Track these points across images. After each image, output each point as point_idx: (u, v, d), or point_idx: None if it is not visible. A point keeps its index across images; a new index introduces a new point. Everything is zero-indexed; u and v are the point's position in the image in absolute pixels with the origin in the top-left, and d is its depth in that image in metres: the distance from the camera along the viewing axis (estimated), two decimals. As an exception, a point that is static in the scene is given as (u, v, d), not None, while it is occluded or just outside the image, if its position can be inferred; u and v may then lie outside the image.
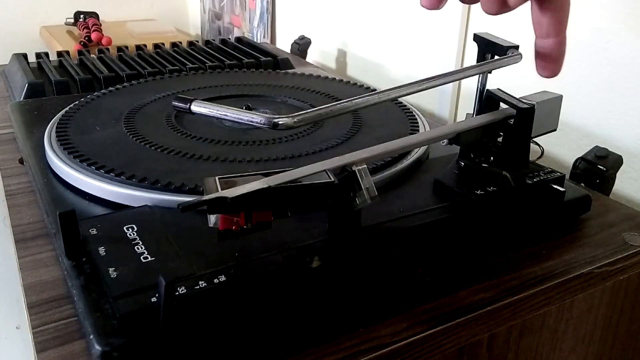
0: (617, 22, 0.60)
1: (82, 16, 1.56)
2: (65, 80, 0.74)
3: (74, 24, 1.57)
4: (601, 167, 0.53)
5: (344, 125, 0.57)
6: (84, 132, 0.54)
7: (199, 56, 0.89)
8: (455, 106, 0.84)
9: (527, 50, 0.70)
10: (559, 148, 0.68)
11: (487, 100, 0.46)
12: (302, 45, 1.04)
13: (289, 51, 1.05)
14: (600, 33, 0.62)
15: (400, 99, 0.63)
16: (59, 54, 0.89)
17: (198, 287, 0.33)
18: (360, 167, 0.36)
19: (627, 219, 0.48)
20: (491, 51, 0.47)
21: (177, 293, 0.32)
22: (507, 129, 0.45)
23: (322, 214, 0.39)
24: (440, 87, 0.49)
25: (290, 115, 0.36)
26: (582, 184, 0.53)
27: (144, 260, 0.35)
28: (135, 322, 0.31)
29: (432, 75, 0.43)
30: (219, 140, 0.53)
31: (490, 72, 0.47)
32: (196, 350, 0.33)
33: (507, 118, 0.45)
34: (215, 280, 0.34)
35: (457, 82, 0.83)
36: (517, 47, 0.47)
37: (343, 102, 0.39)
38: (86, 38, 1.43)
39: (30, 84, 0.72)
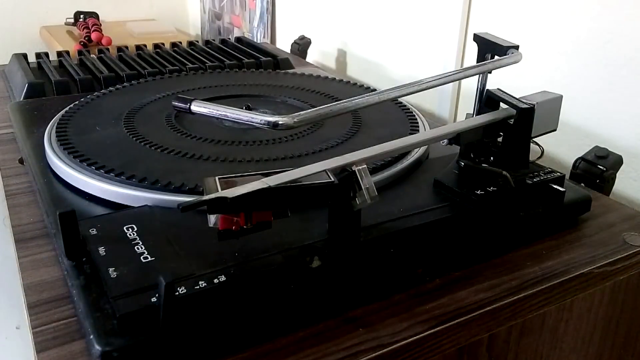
0: (617, 22, 0.60)
1: (82, 16, 1.56)
2: (65, 80, 0.74)
3: (74, 24, 1.57)
4: (601, 167, 0.53)
5: (344, 125, 0.57)
6: (84, 132, 0.54)
7: (199, 56, 0.89)
8: (455, 106, 0.84)
9: (527, 50, 0.70)
10: (559, 148, 0.68)
11: (487, 100, 0.46)
12: (302, 45, 1.04)
13: (289, 51, 1.05)
14: (600, 33, 0.62)
15: (400, 99, 0.63)
16: (59, 54, 0.89)
17: (198, 287, 0.33)
18: (360, 167, 0.36)
19: (627, 219, 0.48)
20: (491, 51, 0.47)
21: (177, 293, 0.32)
22: (507, 129, 0.45)
23: (322, 214, 0.39)
24: (440, 87, 0.49)
25: (290, 115, 0.36)
26: (582, 184, 0.53)
27: (144, 260, 0.35)
28: (135, 322, 0.31)
29: (432, 75, 0.43)
30: (219, 140, 0.53)
31: (490, 72, 0.47)
32: (196, 350, 0.33)
33: (507, 118, 0.45)
34: (215, 280, 0.34)
35: (457, 82, 0.83)
36: (517, 47, 0.47)
37: (343, 102, 0.39)
38: (86, 38, 1.43)
39: (30, 84, 0.72)
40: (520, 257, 0.43)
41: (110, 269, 0.34)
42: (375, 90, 0.57)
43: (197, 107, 0.38)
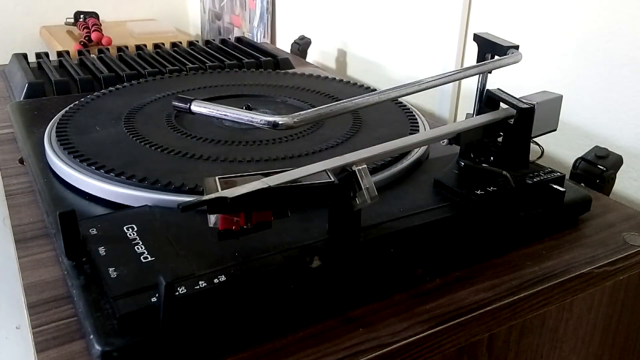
0: (617, 22, 0.60)
1: (82, 16, 1.56)
2: (65, 80, 0.74)
3: (74, 24, 1.57)
4: (601, 167, 0.53)
5: (344, 125, 0.57)
6: (84, 132, 0.54)
7: (199, 56, 0.89)
8: (455, 106, 0.84)
9: (527, 50, 0.70)
10: (559, 148, 0.68)
11: (487, 100, 0.46)
12: (302, 45, 1.04)
13: (289, 51, 1.05)
14: (600, 33, 0.62)
15: (400, 99, 0.63)
16: (59, 54, 0.89)
17: (198, 287, 0.33)
18: (360, 167, 0.36)
19: (627, 219, 0.48)
20: (491, 51, 0.47)
21: (177, 293, 0.32)
22: (507, 129, 0.45)
23: (322, 214, 0.39)
24: (440, 87, 0.49)
25: (290, 115, 0.36)
26: (582, 184, 0.53)
27: (144, 260, 0.35)
28: (135, 322, 0.31)
29: (432, 75, 0.43)
30: (219, 140, 0.53)
31: (490, 72, 0.47)
32: (196, 350, 0.33)
33: (507, 118, 0.45)
34: (215, 280, 0.34)
35: (457, 82, 0.83)
36: (517, 47, 0.47)
37: (343, 102, 0.39)
38: (86, 38, 1.43)
39: (30, 84, 0.72)
40: (520, 257, 0.43)
41: (110, 269, 0.34)
42: (375, 90, 0.57)
43: (197, 107, 0.38)
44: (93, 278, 0.35)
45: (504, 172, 0.44)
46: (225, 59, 0.86)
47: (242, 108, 0.47)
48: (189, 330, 0.32)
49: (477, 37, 0.48)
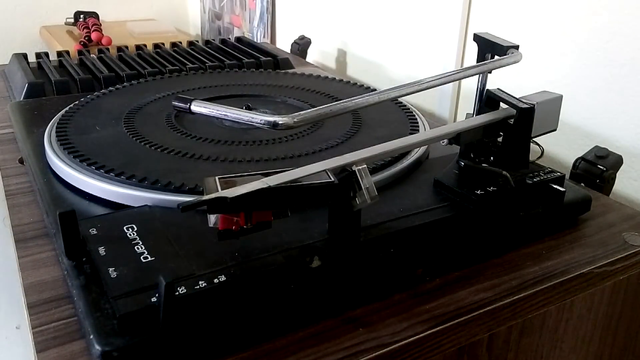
0: (617, 22, 0.60)
1: (82, 16, 1.56)
2: (65, 80, 0.74)
3: (74, 24, 1.57)
4: (601, 167, 0.53)
5: (344, 125, 0.57)
6: (84, 132, 0.54)
7: (199, 56, 0.89)
8: (455, 106, 0.84)
9: (527, 50, 0.70)
10: (559, 148, 0.68)
11: (487, 100, 0.46)
12: (302, 45, 1.04)
13: (289, 51, 1.05)
14: (600, 33, 0.62)
15: (400, 99, 0.63)
16: (59, 54, 0.89)
17: (198, 287, 0.33)
18: (360, 167, 0.36)
19: (627, 219, 0.48)
20: (491, 51, 0.47)
21: (177, 293, 0.32)
22: (507, 129, 0.45)
23: (322, 214, 0.39)
24: (440, 87, 0.49)
25: (290, 115, 0.36)
26: (582, 184, 0.53)
27: (144, 260, 0.35)
28: (135, 322, 0.31)
29: (432, 75, 0.43)
30: (219, 140, 0.53)
31: (490, 72, 0.47)
32: (196, 350, 0.33)
33: (507, 118, 0.45)
34: (215, 280, 0.34)
35: (457, 82, 0.83)
36: (517, 47, 0.47)
37: (343, 102, 0.39)
38: (86, 38, 1.43)
39: (30, 84, 0.72)
40: (520, 257, 0.43)
41: (110, 269, 0.34)
42: (375, 90, 0.57)
43: (197, 107, 0.38)
44: (93, 278, 0.35)
45: (504, 172, 0.44)
46: (225, 59, 0.86)
47: (242, 108, 0.47)
48: (189, 330, 0.32)
49: (477, 37, 0.48)
